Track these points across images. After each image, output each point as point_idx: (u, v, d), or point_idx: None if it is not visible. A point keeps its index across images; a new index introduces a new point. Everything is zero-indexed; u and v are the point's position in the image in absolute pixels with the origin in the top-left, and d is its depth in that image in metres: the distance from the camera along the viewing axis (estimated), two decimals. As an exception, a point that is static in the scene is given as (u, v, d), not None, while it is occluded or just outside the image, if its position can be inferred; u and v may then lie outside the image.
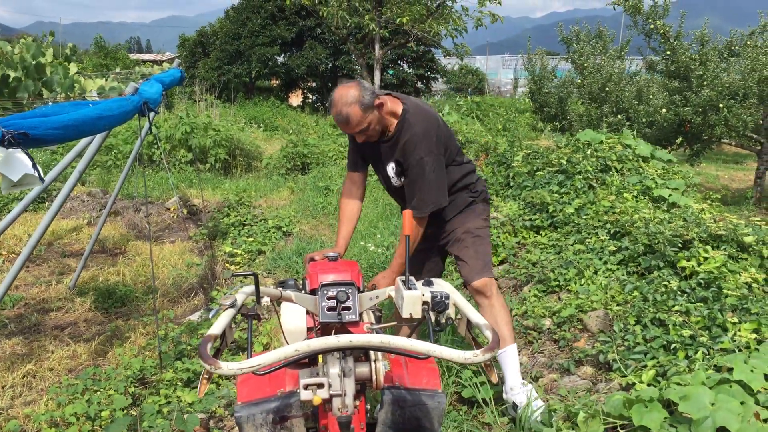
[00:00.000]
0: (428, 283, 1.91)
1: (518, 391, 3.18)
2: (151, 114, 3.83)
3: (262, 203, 8.73)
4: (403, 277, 1.93)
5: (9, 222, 4.48)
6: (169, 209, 8.52)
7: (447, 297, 1.83)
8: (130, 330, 4.73)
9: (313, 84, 30.08)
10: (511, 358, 3.23)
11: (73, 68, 4.58)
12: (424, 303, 1.84)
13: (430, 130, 3.07)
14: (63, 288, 5.59)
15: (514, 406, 3.16)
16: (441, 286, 1.91)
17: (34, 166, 2.57)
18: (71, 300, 5.34)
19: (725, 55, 10.72)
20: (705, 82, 9.89)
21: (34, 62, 4.13)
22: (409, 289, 1.86)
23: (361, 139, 3.05)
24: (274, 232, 7.20)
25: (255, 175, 11.35)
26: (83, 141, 4.32)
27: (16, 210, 4.28)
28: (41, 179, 2.58)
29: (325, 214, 8.24)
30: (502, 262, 5.49)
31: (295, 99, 30.46)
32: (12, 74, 4.11)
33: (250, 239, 6.95)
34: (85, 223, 7.80)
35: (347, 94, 2.88)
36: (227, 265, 6.38)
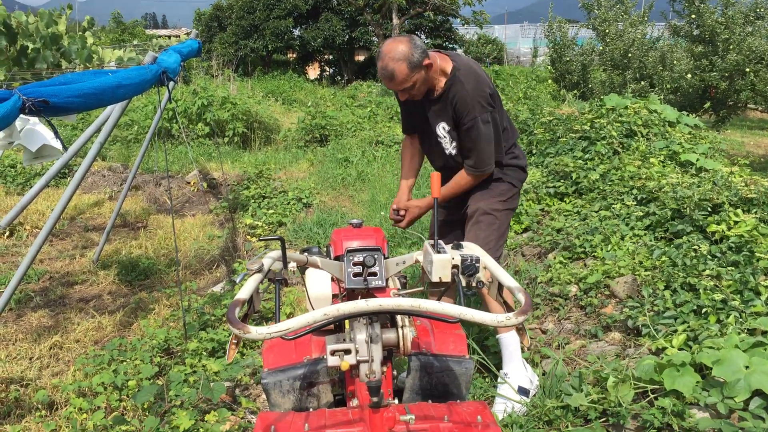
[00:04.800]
0: (458, 247, 1.86)
1: (518, 373, 3.13)
2: (170, 84, 3.79)
3: (281, 175, 8.71)
4: (432, 241, 1.89)
5: (31, 197, 4.51)
6: (189, 183, 8.53)
7: (477, 260, 1.78)
8: (154, 302, 4.75)
9: (330, 56, 29.85)
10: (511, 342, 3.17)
11: (89, 38, 4.54)
12: (454, 266, 1.80)
13: (483, 88, 2.98)
14: (87, 261, 5.63)
15: (521, 390, 3.08)
16: (471, 249, 1.86)
17: (57, 135, 2.55)
18: (95, 273, 5.37)
19: (751, 18, 10.45)
20: (731, 46, 9.67)
21: (49, 31, 4.10)
22: (439, 252, 1.81)
23: (404, 97, 2.98)
24: (294, 204, 7.19)
25: (274, 147, 11.31)
26: (102, 116, 4.30)
27: (38, 185, 4.29)
28: (64, 148, 2.56)
29: (345, 185, 8.20)
30: (525, 230, 5.43)
31: (313, 72, 30.28)
32: (30, 45, 4.09)
33: (271, 211, 6.94)
34: (107, 197, 7.84)
35: (396, 49, 2.77)
36: (248, 237, 6.38)
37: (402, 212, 3.24)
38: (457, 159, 3.15)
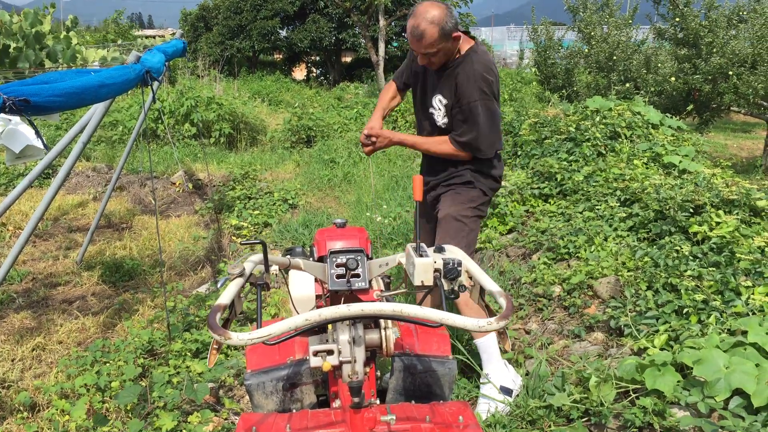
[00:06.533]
0: (440, 250, 1.86)
1: (499, 374, 3.13)
2: (155, 84, 3.77)
3: (267, 176, 8.69)
4: (414, 245, 1.89)
5: (14, 197, 4.46)
6: (175, 184, 8.49)
7: (459, 264, 1.78)
8: (138, 303, 4.73)
9: (317, 58, 29.82)
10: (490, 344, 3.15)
11: (74, 38, 4.51)
12: (436, 270, 1.80)
13: (489, 76, 2.97)
14: (70, 262, 5.59)
15: (504, 390, 3.09)
16: (453, 252, 1.87)
17: (38, 134, 2.53)
18: (79, 274, 5.34)
19: (734, 21, 10.54)
20: (714, 50, 9.75)
21: (33, 30, 4.07)
22: (421, 256, 1.81)
23: (423, 62, 2.95)
24: (280, 205, 7.18)
25: (260, 148, 11.29)
26: (86, 116, 4.28)
27: (22, 185, 4.25)
28: (46, 148, 2.54)
29: (331, 186, 8.20)
30: (510, 231, 5.45)
31: (299, 73, 30.22)
32: (12, 44, 4.05)
33: (256, 212, 6.93)
34: (91, 198, 7.78)
35: (431, 12, 2.78)
36: (234, 238, 6.37)
37: (373, 138, 3.17)
38: (446, 131, 3.14)
